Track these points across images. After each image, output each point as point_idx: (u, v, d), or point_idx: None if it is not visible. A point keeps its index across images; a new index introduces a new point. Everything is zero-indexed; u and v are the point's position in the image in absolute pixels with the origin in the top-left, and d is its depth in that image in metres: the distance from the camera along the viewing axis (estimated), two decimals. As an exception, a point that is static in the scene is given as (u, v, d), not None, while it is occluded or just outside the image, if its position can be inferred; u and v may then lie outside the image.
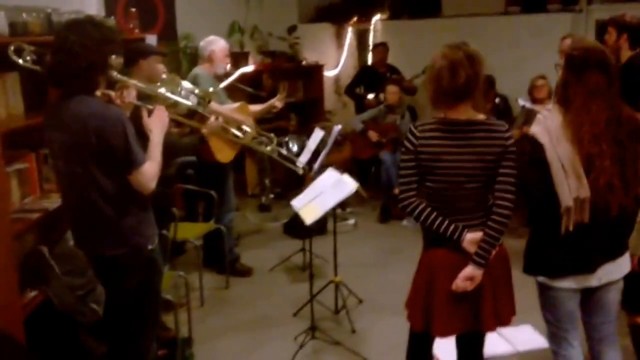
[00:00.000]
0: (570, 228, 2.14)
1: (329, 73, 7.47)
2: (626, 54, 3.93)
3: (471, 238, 2.19)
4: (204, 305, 3.92)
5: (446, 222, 2.20)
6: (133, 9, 4.25)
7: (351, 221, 5.46)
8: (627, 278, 2.74)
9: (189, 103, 2.84)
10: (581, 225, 2.15)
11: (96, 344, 2.93)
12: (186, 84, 3.08)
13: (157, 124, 2.42)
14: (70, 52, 2.12)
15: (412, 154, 2.21)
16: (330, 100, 7.51)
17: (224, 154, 4.05)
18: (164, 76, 3.20)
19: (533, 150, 2.17)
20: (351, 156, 6.27)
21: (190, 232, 3.96)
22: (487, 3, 6.33)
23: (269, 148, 3.90)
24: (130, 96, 2.44)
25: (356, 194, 5.79)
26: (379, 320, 3.62)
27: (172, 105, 2.70)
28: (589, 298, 2.33)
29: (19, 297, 2.67)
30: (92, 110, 2.17)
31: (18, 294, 2.67)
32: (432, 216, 2.21)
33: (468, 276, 2.19)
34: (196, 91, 3.34)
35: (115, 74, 2.33)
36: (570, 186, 2.11)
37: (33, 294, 2.83)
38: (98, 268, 2.48)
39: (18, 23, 2.86)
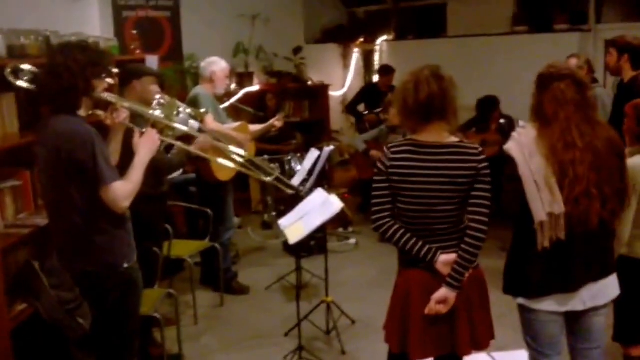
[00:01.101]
0: (546, 244, 2.13)
1: (336, 93, 7.56)
2: (629, 74, 3.93)
3: (445, 260, 2.19)
4: (198, 323, 3.96)
5: (420, 244, 2.20)
6: (134, 31, 4.39)
7: (352, 240, 5.49)
8: (618, 309, 2.70)
9: (184, 128, 2.87)
10: (559, 241, 2.12)
11: (85, 358, 2.99)
12: (180, 106, 3.14)
13: (146, 146, 2.47)
14: (54, 73, 2.25)
15: (384, 175, 2.22)
16: (337, 120, 7.59)
17: (223, 173, 4.12)
18: (157, 97, 3.29)
19: (508, 166, 2.19)
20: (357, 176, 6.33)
21: (184, 249, 4.02)
22: (493, 23, 6.35)
23: (268, 179, 3.78)
24: (121, 117, 2.51)
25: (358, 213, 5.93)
26: (370, 342, 3.60)
27: (167, 128, 2.76)
28: (575, 323, 2.29)
29: (6, 309, 2.75)
30: (64, 128, 2.28)
31: (6, 306, 2.75)
32: (406, 237, 2.21)
33: (441, 298, 2.18)
34: (188, 110, 3.43)
35: (106, 95, 2.42)
36: (544, 201, 2.10)
37: (22, 306, 2.91)
38: (77, 283, 2.55)
39: (15, 46, 2.99)
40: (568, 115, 2.14)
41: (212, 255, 4.26)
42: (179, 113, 2.91)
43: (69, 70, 2.24)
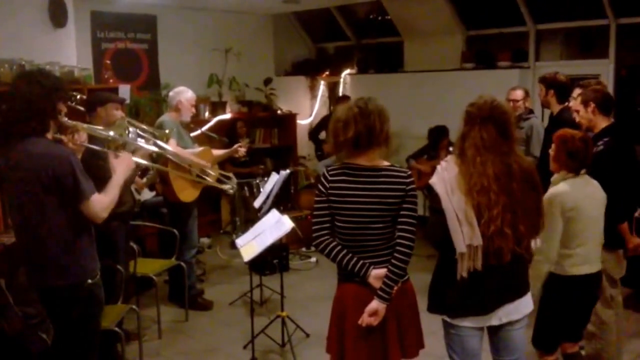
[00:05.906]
0: (464, 274, 2.15)
1: (303, 121, 7.64)
2: (556, 108, 4.03)
3: (376, 274, 2.23)
4: (162, 337, 3.92)
5: (354, 259, 2.25)
6: (108, 61, 4.40)
7: (313, 259, 5.51)
8: (537, 318, 2.74)
9: (140, 144, 2.93)
10: (476, 271, 2.15)
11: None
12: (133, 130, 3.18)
13: (122, 167, 2.57)
14: (21, 99, 2.26)
15: (324, 196, 2.27)
16: (304, 146, 7.67)
17: (186, 194, 4.13)
18: (119, 120, 3.32)
19: (432, 199, 2.22)
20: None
21: (151, 267, 3.99)
22: (444, 59, 6.54)
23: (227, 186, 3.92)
24: (82, 139, 2.55)
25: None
26: (322, 353, 3.55)
27: (122, 146, 2.82)
28: (494, 336, 2.33)
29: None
30: (42, 150, 2.30)
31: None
32: (342, 254, 2.26)
33: (372, 310, 2.22)
34: (155, 132, 3.45)
35: (65, 119, 2.45)
36: (464, 234, 2.12)
37: (-14, 323, 2.85)
38: (42, 299, 2.53)
39: (-12, 74, 2.99)
40: (485, 160, 2.14)
41: (178, 273, 4.24)
42: (129, 132, 2.97)
43: (36, 96, 2.26)
